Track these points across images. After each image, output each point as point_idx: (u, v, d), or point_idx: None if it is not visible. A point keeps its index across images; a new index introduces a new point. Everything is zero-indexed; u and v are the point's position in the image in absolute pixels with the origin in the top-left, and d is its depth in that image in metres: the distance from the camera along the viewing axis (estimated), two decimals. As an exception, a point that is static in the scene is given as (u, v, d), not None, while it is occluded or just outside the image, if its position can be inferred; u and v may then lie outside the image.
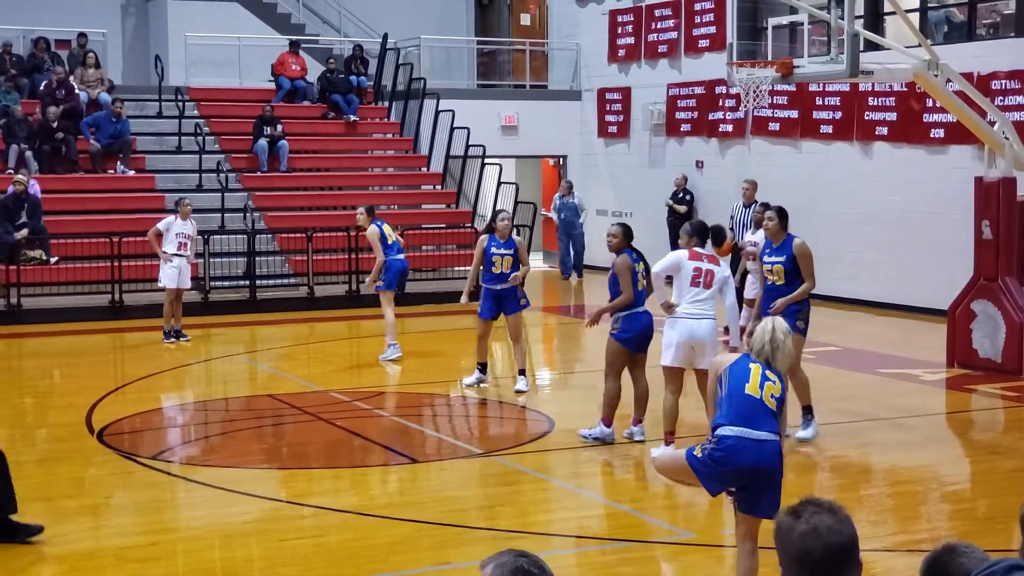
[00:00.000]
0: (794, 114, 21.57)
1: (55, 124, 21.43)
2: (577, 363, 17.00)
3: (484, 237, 13.71)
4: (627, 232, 10.95)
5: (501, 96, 27.19)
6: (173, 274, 16.74)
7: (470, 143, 23.84)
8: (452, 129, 24.03)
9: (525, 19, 29.64)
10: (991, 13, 19.63)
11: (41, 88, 22.31)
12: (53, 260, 19.67)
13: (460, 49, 28.64)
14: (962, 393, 13.68)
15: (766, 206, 15.57)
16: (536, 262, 25.80)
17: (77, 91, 22.53)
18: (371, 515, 8.96)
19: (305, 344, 18.00)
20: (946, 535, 8.33)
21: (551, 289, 24.64)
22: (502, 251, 13.49)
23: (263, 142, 23.04)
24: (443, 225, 23.38)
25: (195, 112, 24.00)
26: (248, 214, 21.56)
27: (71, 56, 23.87)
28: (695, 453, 6.62)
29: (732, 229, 19.27)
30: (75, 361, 16.40)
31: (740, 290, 16.25)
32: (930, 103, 18.39)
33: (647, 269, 10.91)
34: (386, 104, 25.93)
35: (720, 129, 23.34)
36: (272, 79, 25.33)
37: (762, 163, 21.95)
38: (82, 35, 24.14)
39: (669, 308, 10.29)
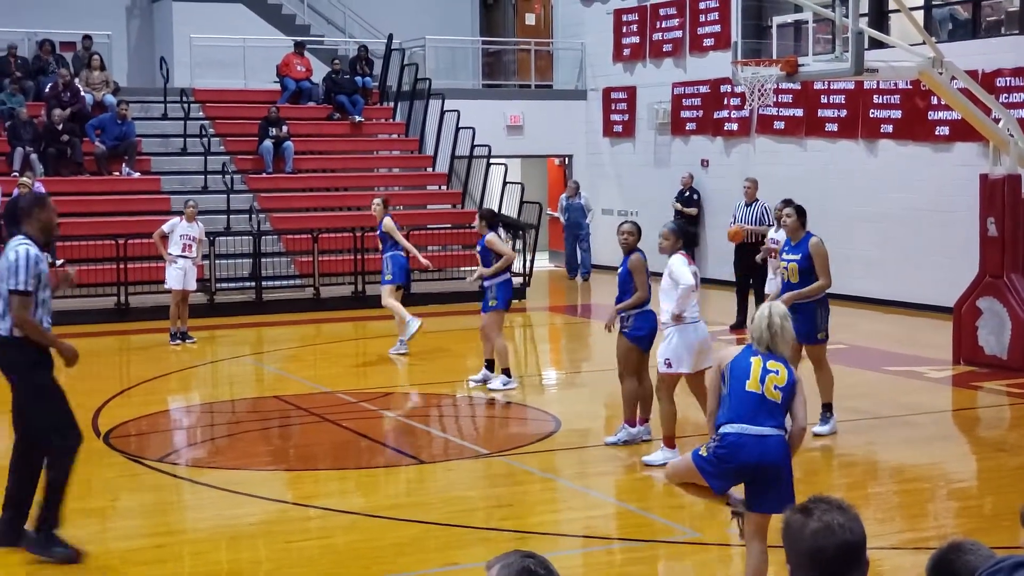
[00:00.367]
0: (799, 112, 21.56)
1: (60, 126, 21.45)
2: (583, 363, 17.00)
3: None
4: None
5: (506, 96, 27.20)
6: (178, 275, 16.75)
7: (475, 143, 23.84)
8: (457, 129, 24.03)
9: (530, 19, 29.65)
10: (996, 10, 19.61)
11: (46, 90, 22.34)
12: (59, 262, 19.67)
13: (465, 49, 28.64)
14: (968, 390, 13.66)
15: (787, 203, 15.70)
16: (542, 262, 25.84)
17: (82, 93, 22.55)
18: (378, 516, 8.97)
19: (311, 345, 18.01)
20: (952, 532, 8.32)
21: (557, 289, 24.65)
22: (476, 250, 13.86)
23: (268, 143, 23.06)
24: (448, 225, 23.38)
25: (200, 114, 24.02)
26: (254, 215, 21.57)
27: (76, 58, 23.90)
28: (700, 452, 6.66)
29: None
30: (80, 363, 16.32)
31: (760, 286, 16.35)
32: (935, 101, 18.36)
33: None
34: (391, 104, 25.94)
35: (725, 128, 23.33)
36: (277, 80, 25.34)
37: (767, 161, 21.94)
38: (87, 37, 24.17)
39: (679, 318, 10.12)
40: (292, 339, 18.20)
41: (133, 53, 27.34)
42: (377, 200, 16.07)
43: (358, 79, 25.41)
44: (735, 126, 23.08)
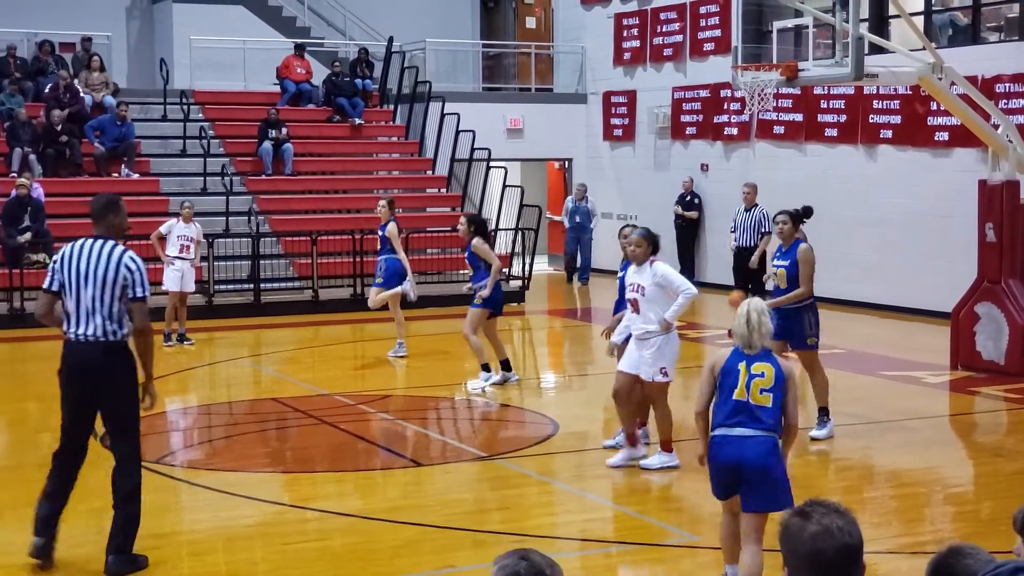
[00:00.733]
0: (799, 117, 21.57)
1: (59, 127, 21.46)
2: (581, 366, 17.00)
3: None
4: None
5: (506, 99, 27.21)
6: (175, 277, 16.75)
7: (475, 146, 23.85)
8: (457, 132, 24.04)
9: (530, 22, 29.68)
10: (996, 16, 19.62)
11: (46, 91, 22.35)
12: (56, 264, 19.67)
13: (465, 52, 28.66)
14: (966, 395, 13.67)
15: (804, 211, 15.77)
16: (541, 265, 25.83)
17: (82, 94, 22.56)
18: (375, 519, 8.97)
19: (309, 347, 18.01)
20: (949, 537, 8.32)
21: (556, 292, 24.66)
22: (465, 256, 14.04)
23: (268, 145, 23.06)
24: (448, 228, 23.35)
25: (200, 115, 24.03)
26: (252, 217, 21.57)
27: (75, 59, 23.91)
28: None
29: (733, 232, 19.34)
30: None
31: (761, 292, 16.41)
32: (934, 106, 18.39)
33: None
34: (391, 107, 25.95)
35: (725, 132, 23.34)
36: (277, 82, 25.35)
37: (767, 166, 21.95)
38: (86, 38, 24.18)
39: (669, 326, 9.98)
40: (290, 341, 18.20)
41: (133, 54, 27.35)
42: (383, 201, 16.06)
43: (358, 82, 25.42)
44: (735, 130, 23.09)
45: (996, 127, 14.62)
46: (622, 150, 26.17)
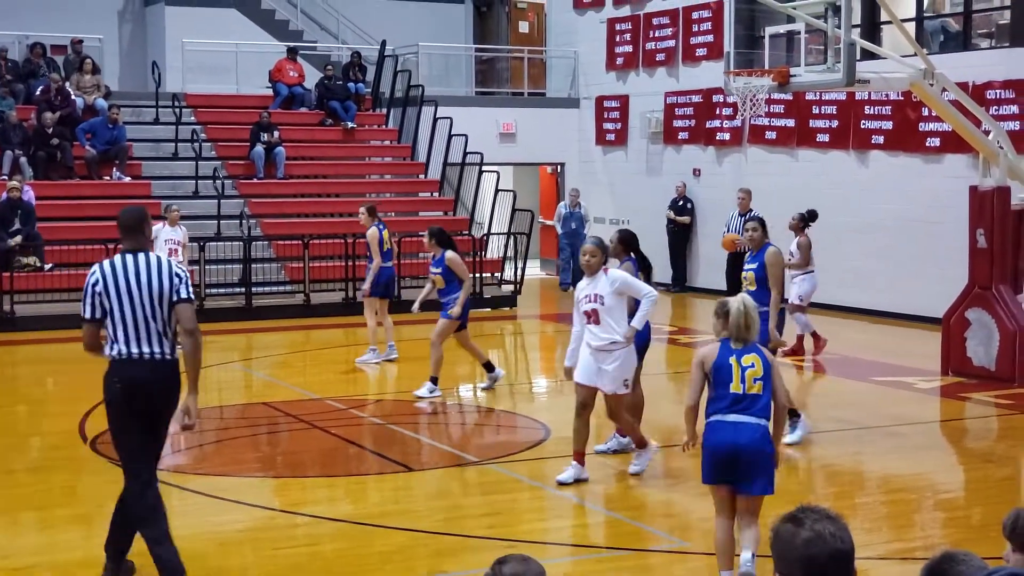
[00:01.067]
0: (791, 123, 21.60)
1: (50, 130, 21.42)
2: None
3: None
4: (627, 239, 10.92)
5: (499, 103, 27.21)
6: None
7: (468, 150, 23.85)
8: (450, 136, 24.03)
9: (523, 27, 29.67)
10: (987, 23, 19.67)
11: (37, 94, 22.31)
12: (47, 267, 19.65)
13: (458, 56, 28.66)
14: (956, 401, 13.68)
15: (810, 214, 15.94)
16: (533, 270, 25.83)
17: (73, 97, 22.53)
18: (366, 524, 8.95)
19: (301, 351, 17.99)
20: (940, 543, 8.33)
21: (548, 297, 24.66)
22: (437, 271, 13.88)
23: (260, 148, 23.04)
24: (440, 232, 23.33)
25: (192, 118, 24.00)
26: (244, 221, 21.54)
27: (67, 62, 23.87)
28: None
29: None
30: (69, 369, 16.36)
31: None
32: (926, 112, 18.43)
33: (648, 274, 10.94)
34: (384, 111, 25.95)
35: (717, 137, 23.36)
36: (269, 85, 25.34)
37: (759, 171, 21.98)
38: (77, 40, 24.13)
39: (634, 336, 9.80)
40: (282, 345, 18.18)
41: (125, 57, 27.32)
42: (362, 208, 16.11)
43: (351, 85, 25.42)
44: (727, 136, 23.12)
45: (987, 133, 14.65)
46: (614, 155, 26.18)
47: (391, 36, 26.40)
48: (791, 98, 20.71)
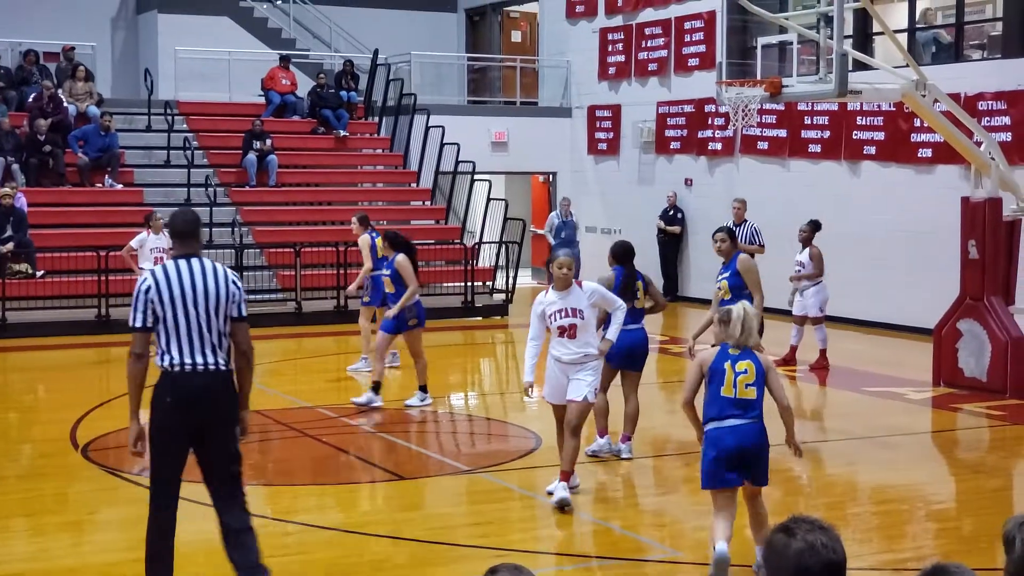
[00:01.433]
0: (783, 133, 21.64)
1: (43, 137, 21.40)
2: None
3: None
4: (615, 252, 11.06)
5: (491, 112, 27.23)
6: None
7: (460, 159, 23.86)
8: (442, 145, 24.04)
9: (516, 36, 29.72)
10: (978, 34, 19.72)
11: (29, 101, 22.29)
12: (39, 274, 19.63)
13: (451, 65, 28.69)
14: (948, 412, 13.70)
15: (814, 225, 16.03)
16: (524, 278, 25.82)
17: (65, 104, 22.51)
18: (357, 532, 8.94)
19: (292, 359, 17.97)
20: (931, 554, 8.33)
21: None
22: (386, 273, 13.65)
23: (252, 156, 23.04)
24: (432, 241, 23.38)
25: (184, 126, 23.99)
26: (236, 228, 21.54)
27: (60, 69, 23.85)
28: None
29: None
30: (60, 376, 16.35)
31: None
32: (918, 123, 18.46)
33: (646, 285, 10.98)
34: (376, 119, 25.95)
35: (709, 147, 23.40)
36: (262, 93, 25.33)
37: (751, 182, 22.01)
38: (69, 48, 24.11)
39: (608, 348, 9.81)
40: (273, 353, 18.14)
41: (117, 64, 27.32)
42: (354, 218, 16.14)
43: (343, 93, 25.42)
44: (719, 146, 23.15)
45: (979, 144, 14.68)
46: (606, 164, 26.21)
47: (383, 45, 26.42)
48: (783, 108, 20.76)
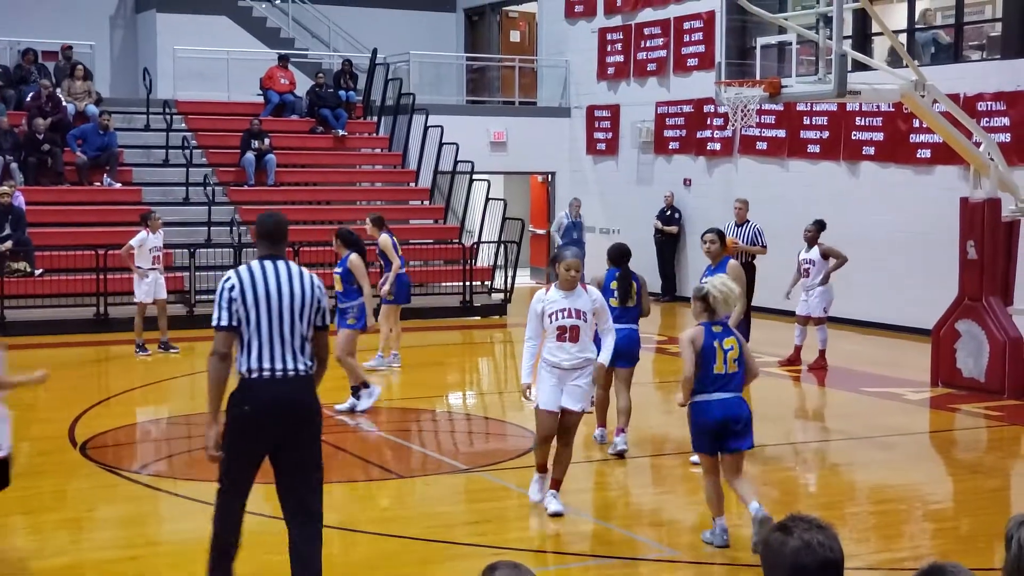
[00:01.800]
0: (782, 133, 21.64)
1: (41, 136, 21.40)
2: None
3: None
4: (609, 254, 11.20)
5: (490, 112, 27.23)
6: (149, 289, 16.84)
7: (458, 159, 23.86)
8: (441, 144, 24.04)
9: (515, 36, 29.72)
10: (978, 35, 19.73)
11: (28, 99, 22.28)
12: (38, 272, 19.62)
13: (449, 65, 28.69)
14: (946, 412, 13.70)
15: (819, 224, 16.01)
16: (523, 278, 25.82)
17: (64, 103, 22.50)
18: (355, 530, 8.94)
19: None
20: (928, 554, 8.34)
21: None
22: (337, 271, 13.35)
23: (250, 156, 23.03)
24: (431, 241, 23.39)
25: (183, 125, 23.99)
26: (235, 228, 21.53)
27: (58, 68, 23.84)
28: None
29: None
30: (59, 374, 16.26)
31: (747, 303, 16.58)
32: (917, 124, 18.46)
33: (639, 287, 11.03)
34: (375, 119, 25.95)
35: (708, 147, 23.40)
36: (260, 93, 25.33)
37: (749, 182, 22.01)
38: (67, 47, 24.10)
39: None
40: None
41: (116, 63, 27.31)
42: (367, 219, 16.07)
43: (342, 93, 25.43)
44: (718, 146, 23.15)
45: (978, 145, 14.69)
46: (605, 164, 26.21)
47: (382, 44, 26.43)
48: (782, 109, 20.76)
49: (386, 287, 15.59)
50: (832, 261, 16.13)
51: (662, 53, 24.45)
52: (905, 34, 19.49)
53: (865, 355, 17.61)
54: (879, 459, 11.33)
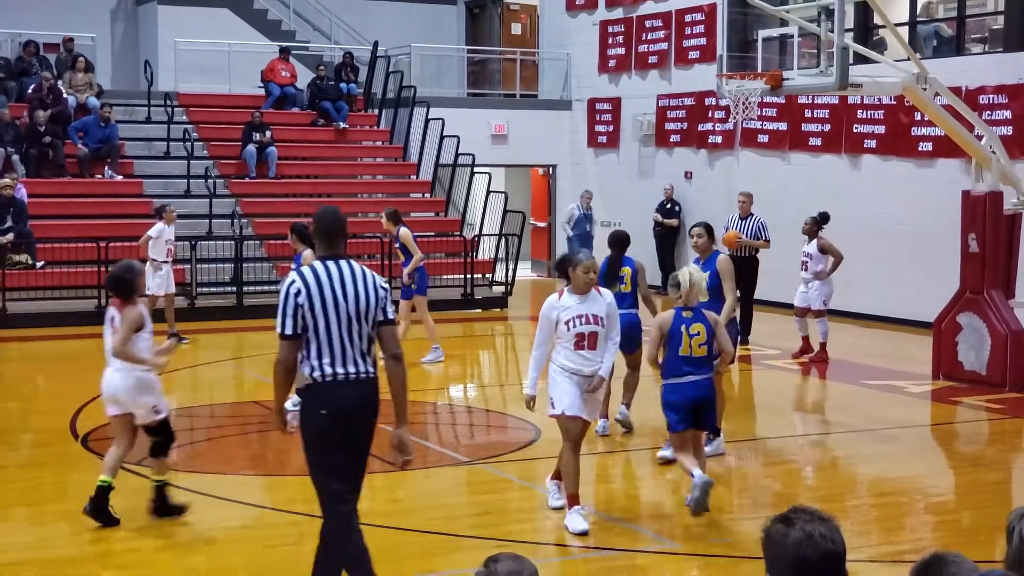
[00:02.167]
0: (783, 126, 21.62)
1: (43, 128, 21.39)
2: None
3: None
4: (608, 239, 11.67)
5: (491, 105, 27.20)
6: (161, 282, 16.85)
7: (459, 151, 23.84)
8: (442, 137, 24.03)
9: (516, 28, 29.68)
10: (980, 28, 19.71)
11: (29, 92, 22.27)
12: (39, 264, 19.62)
13: (450, 57, 28.66)
14: (947, 405, 13.70)
15: (822, 217, 15.96)
16: (524, 271, 25.82)
17: (65, 95, 22.49)
18: (356, 522, 8.92)
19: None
20: (929, 546, 8.33)
21: (539, 298, 24.52)
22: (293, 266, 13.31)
23: (252, 148, 23.02)
24: (432, 233, 23.36)
25: (184, 117, 23.98)
26: (236, 220, 21.53)
27: (60, 60, 23.83)
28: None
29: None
30: (60, 366, 16.35)
31: (749, 298, 16.60)
32: (918, 117, 18.44)
33: (634, 272, 11.37)
34: (376, 112, 25.93)
35: (709, 140, 23.38)
36: (262, 85, 25.32)
37: (751, 175, 21.98)
38: (68, 39, 24.08)
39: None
40: (273, 344, 18.03)
41: (117, 56, 27.29)
42: (383, 213, 16.04)
43: (343, 86, 25.41)
44: (719, 139, 23.13)
45: (979, 138, 14.67)
46: (606, 157, 26.19)
47: (383, 37, 26.40)
48: (783, 102, 20.73)
49: (405, 277, 15.63)
50: (831, 259, 16.08)
51: (663, 46, 24.42)
52: (907, 27, 19.47)
53: (866, 348, 17.61)
54: (880, 452, 11.33)
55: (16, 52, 24.15)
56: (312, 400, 6.49)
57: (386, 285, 6.68)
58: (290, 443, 11.80)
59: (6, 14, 25.07)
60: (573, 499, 8.73)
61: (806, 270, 16.19)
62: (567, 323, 8.54)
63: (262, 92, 25.24)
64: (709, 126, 23.31)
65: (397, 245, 15.73)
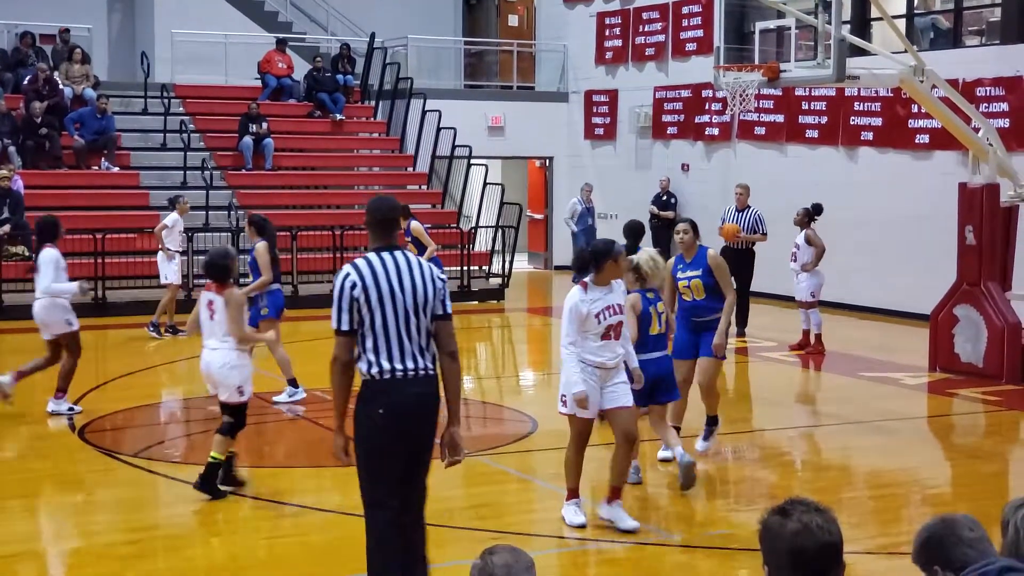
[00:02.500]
0: (780, 118, 21.62)
1: (39, 119, 21.36)
2: (561, 364, 16.96)
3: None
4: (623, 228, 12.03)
5: (488, 97, 27.19)
6: (178, 270, 17.22)
7: (456, 143, 23.84)
8: (438, 129, 24.02)
9: (513, 20, 29.66)
10: (977, 20, 19.71)
11: (25, 83, 22.24)
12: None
13: (447, 49, 28.64)
14: (944, 397, 13.72)
15: (815, 208, 15.94)
16: (521, 263, 25.82)
17: (62, 87, 22.46)
18: (353, 514, 8.91)
19: (289, 343, 17.88)
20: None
21: (535, 290, 24.65)
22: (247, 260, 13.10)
23: (248, 140, 23.01)
24: (428, 225, 23.21)
25: (180, 109, 23.95)
26: (232, 212, 21.52)
27: (56, 51, 23.79)
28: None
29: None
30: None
31: (746, 291, 16.60)
32: (915, 109, 18.45)
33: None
34: (372, 103, 25.92)
35: (706, 132, 23.38)
36: (258, 77, 25.29)
37: (748, 167, 21.98)
38: (64, 30, 24.04)
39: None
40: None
41: (114, 47, 27.25)
42: None
43: (340, 77, 25.40)
44: (716, 131, 23.13)
45: (976, 130, 14.68)
46: (603, 149, 26.19)
47: (380, 28, 26.38)
48: (780, 94, 20.74)
49: None
50: (811, 253, 16.05)
51: (660, 38, 24.42)
52: (904, 19, 19.47)
53: (863, 340, 17.62)
54: (877, 444, 11.34)
55: (12, 43, 24.12)
56: (369, 399, 6.26)
57: (443, 277, 6.46)
58: (287, 435, 11.83)
59: (2, 5, 25.02)
60: (572, 492, 8.73)
61: (795, 261, 16.20)
62: (597, 316, 8.40)
63: (259, 83, 25.22)
64: (706, 118, 23.31)
65: (409, 239, 15.66)
